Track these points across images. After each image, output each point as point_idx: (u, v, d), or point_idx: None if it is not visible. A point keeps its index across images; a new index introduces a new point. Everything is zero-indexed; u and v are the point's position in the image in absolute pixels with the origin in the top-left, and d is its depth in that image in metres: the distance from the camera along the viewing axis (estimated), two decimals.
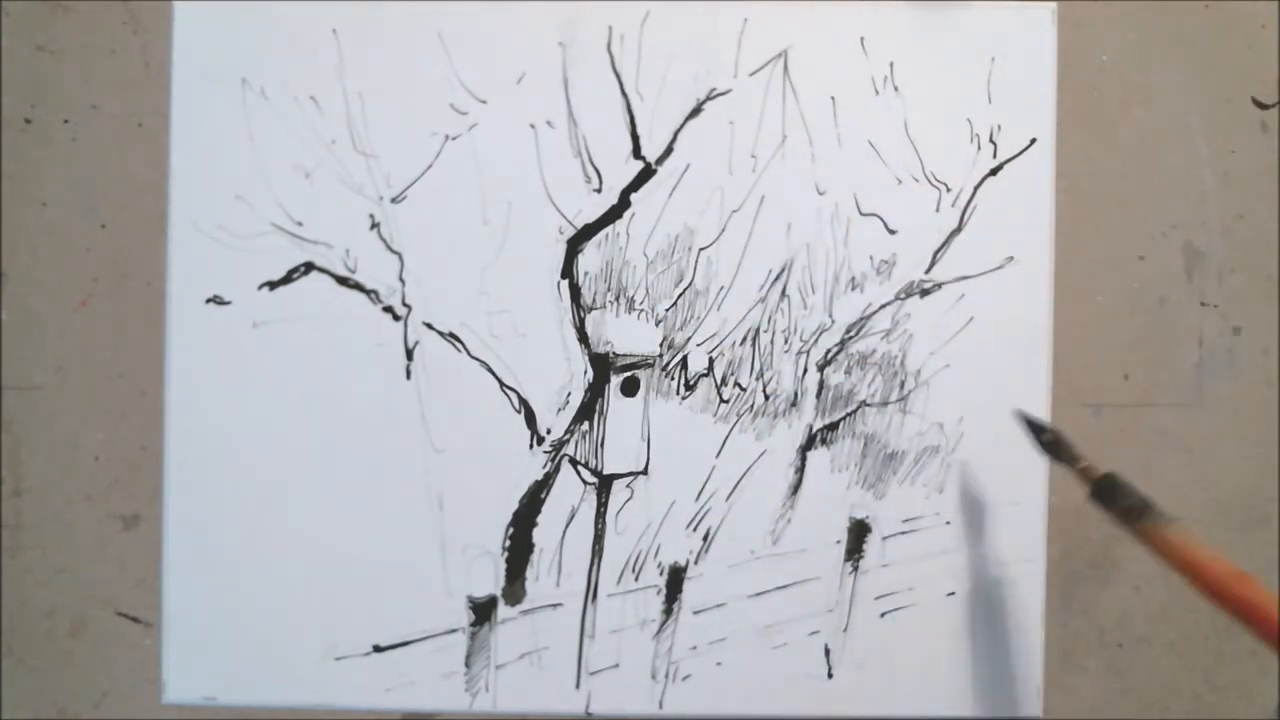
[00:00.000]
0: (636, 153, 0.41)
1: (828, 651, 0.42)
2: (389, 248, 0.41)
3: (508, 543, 0.41)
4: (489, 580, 0.41)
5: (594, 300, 0.41)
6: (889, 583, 0.42)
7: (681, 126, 0.41)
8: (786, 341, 0.41)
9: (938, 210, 0.41)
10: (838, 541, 0.42)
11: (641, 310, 0.41)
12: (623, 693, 0.41)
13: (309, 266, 0.41)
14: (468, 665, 0.41)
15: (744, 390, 0.42)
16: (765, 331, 0.41)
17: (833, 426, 0.42)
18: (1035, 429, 0.39)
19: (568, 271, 0.41)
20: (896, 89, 0.41)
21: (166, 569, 0.41)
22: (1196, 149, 0.43)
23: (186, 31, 0.41)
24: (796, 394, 0.42)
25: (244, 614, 0.41)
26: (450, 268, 0.41)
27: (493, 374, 0.41)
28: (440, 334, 0.41)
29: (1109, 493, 0.35)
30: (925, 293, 0.41)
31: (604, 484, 0.41)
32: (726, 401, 0.41)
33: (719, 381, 0.41)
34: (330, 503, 0.41)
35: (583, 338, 0.41)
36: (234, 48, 0.41)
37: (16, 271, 0.41)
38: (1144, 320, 0.42)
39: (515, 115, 0.41)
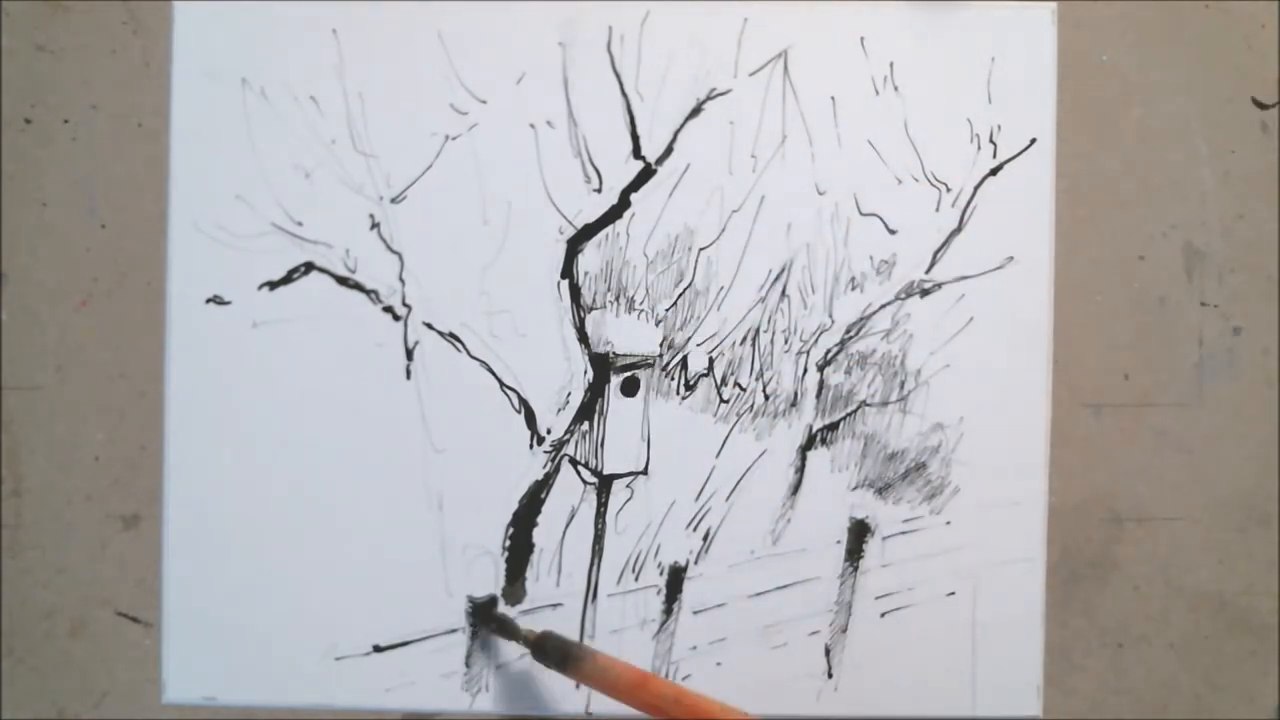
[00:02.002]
0: (636, 153, 0.41)
1: (828, 651, 0.42)
2: (389, 248, 0.41)
3: (508, 543, 0.41)
4: (489, 580, 0.41)
5: (594, 300, 0.41)
6: (889, 583, 0.42)
7: (681, 126, 0.41)
8: (786, 341, 0.41)
9: (938, 210, 0.41)
10: (838, 541, 0.42)
11: (641, 310, 0.41)
12: None
13: (309, 266, 0.41)
14: (468, 665, 0.41)
15: (744, 390, 0.42)
16: (765, 331, 0.41)
17: (833, 426, 0.42)
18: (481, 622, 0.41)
19: (568, 271, 0.41)
20: (896, 89, 0.41)
21: (166, 569, 0.41)
22: (1196, 149, 0.43)
23: (186, 31, 0.41)
24: (796, 394, 0.42)
25: (244, 614, 0.41)
26: (450, 268, 0.41)
27: (493, 374, 0.41)
28: (440, 334, 0.41)
29: (541, 647, 0.38)
30: (925, 293, 0.41)
31: (604, 484, 0.41)
32: (726, 401, 0.41)
33: (719, 381, 0.41)
34: (330, 502, 0.41)
35: (583, 338, 0.41)
36: (234, 48, 0.41)
37: (16, 271, 0.41)
38: (1144, 320, 0.42)
39: (515, 115, 0.41)
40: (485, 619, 0.40)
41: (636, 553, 0.41)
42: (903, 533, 0.42)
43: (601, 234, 0.41)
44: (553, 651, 0.38)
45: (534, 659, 0.38)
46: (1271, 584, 0.41)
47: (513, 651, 0.41)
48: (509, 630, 0.39)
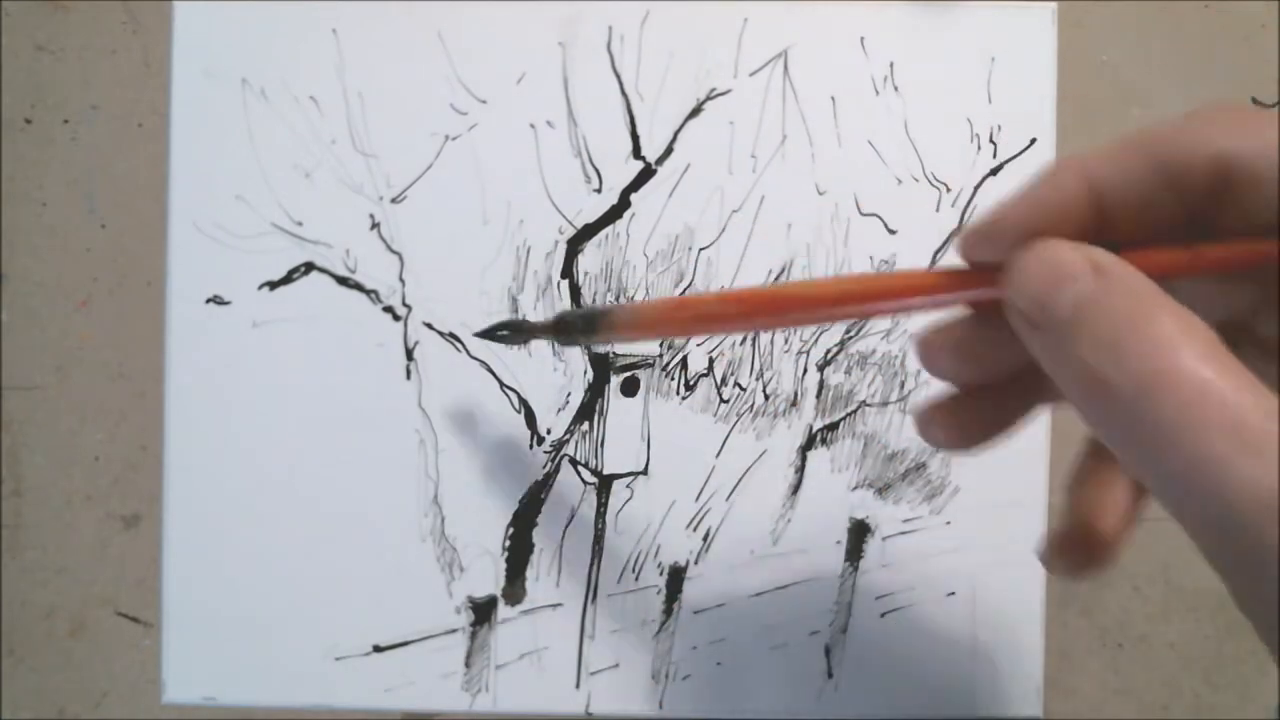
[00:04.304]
0: (636, 153, 0.41)
1: (828, 651, 0.42)
2: (389, 248, 0.41)
3: (508, 543, 0.41)
4: (489, 580, 0.41)
5: (594, 300, 0.41)
6: (889, 583, 0.42)
7: (681, 126, 0.41)
8: (786, 342, 0.41)
9: (938, 210, 0.41)
10: (838, 542, 0.42)
11: None
12: (623, 693, 0.41)
13: (309, 266, 0.41)
14: (467, 665, 0.41)
15: (744, 390, 0.42)
16: (765, 331, 0.41)
17: (833, 426, 0.42)
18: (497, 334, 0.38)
19: (568, 271, 0.41)
20: (896, 89, 0.41)
21: (166, 569, 0.41)
22: None
23: (186, 31, 0.41)
24: (796, 394, 0.42)
25: (244, 614, 0.41)
26: (450, 268, 0.41)
27: (493, 374, 0.41)
28: (440, 334, 0.41)
29: (563, 325, 0.34)
30: None
31: (604, 484, 0.41)
32: (726, 401, 0.41)
33: (719, 381, 0.41)
34: (330, 502, 0.41)
35: None
36: (234, 48, 0.41)
37: (16, 271, 0.41)
38: None
39: (515, 115, 0.41)
40: (514, 336, 0.38)
41: (636, 553, 0.41)
42: (903, 533, 0.42)
43: (601, 234, 0.41)
44: (576, 323, 0.34)
45: (561, 344, 0.37)
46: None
47: (513, 651, 0.41)
48: (526, 330, 0.37)
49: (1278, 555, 0.20)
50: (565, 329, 0.34)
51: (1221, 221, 0.24)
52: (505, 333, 0.38)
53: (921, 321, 0.27)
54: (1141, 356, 0.21)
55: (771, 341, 0.41)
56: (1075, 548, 0.28)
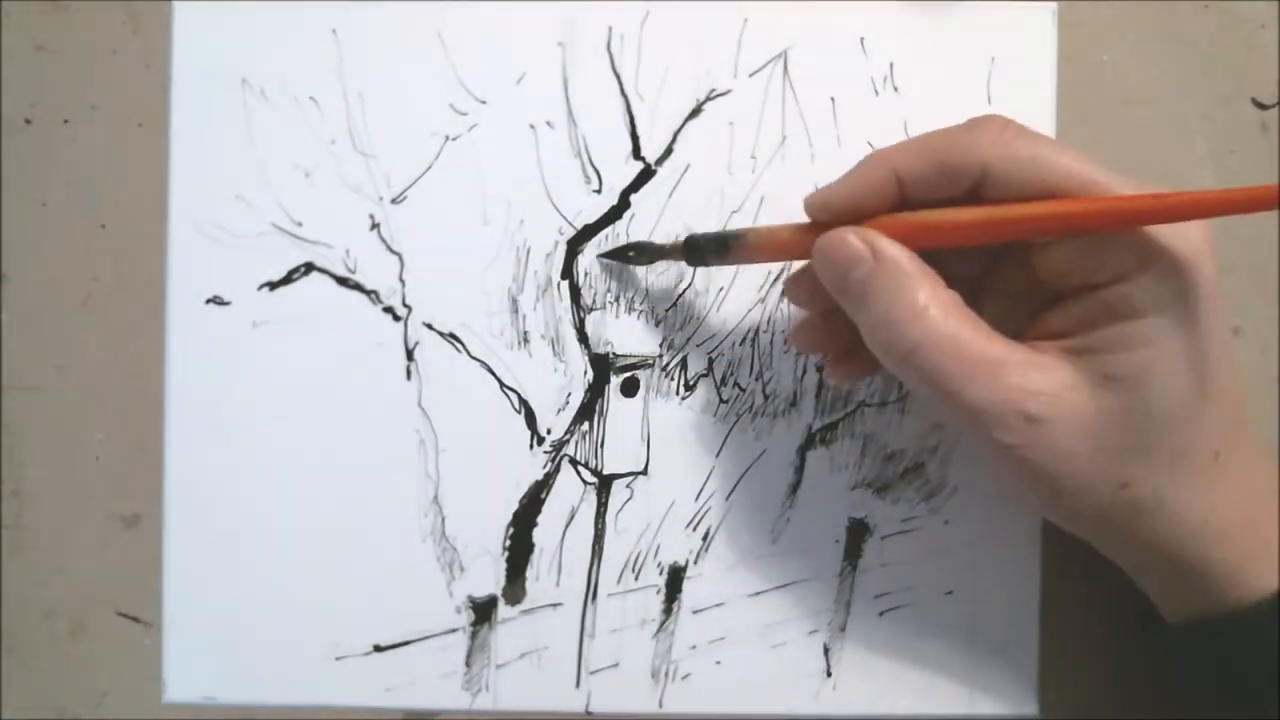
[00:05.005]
0: (636, 153, 0.41)
1: (827, 650, 0.42)
2: (389, 248, 0.41)
3: (508, 543, 0.41)
4: (489, 580, 0.41)
5: (594, 301, 0.41)
6: (888, 582, 0.42)
7: (681, 127, 0.41)
8: (786, 342, 0.42)
9: None
10: (837, 541, 0.42)
11: (641, 311, 0.41)
12: (623, 692, 0.41)
13: (309, 267, 0.41)
14: (468, 665, 0.41)
15: (744, 390, 0.42)
16: (765, 332, 0.41)
17: (832, 426, 0.42)
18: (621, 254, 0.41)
19: (568, 272, 0.41)
20: (896, 89, 0.41)
21: (166, 569, 0.41)
22: (1196, 149, 0.43)
23: (186, 31, 0.41)
24: (796, 394, 0.42)
25: (244, 614, 0.41)
26: (450, 268, 0.41)
27: (493, 374, 0.41)
28: (440, 334, 0.41)
29: (694, 247, 0.38)
30: None
31: (604, 484, 0.41)
32: (726, 402, 0.41)
33: (719, 382, 0.42)
34: (330, 503, 0.41)
35: (583, 338, 0.41)
36: (234, 48, 0.41)
37: (16, 271, 0.41)
38: None
39: (515, 115, 0.41)
40: (640, 256, 0.40)
41: (636, 552, 0.41)
42: (901, 532, 0.42)
43: (601, 234, 0.41)
44: (708, 245, 0.38)
45: (690, 264, 0.40)
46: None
47: (513, 651, 0.41)
48: (653, 252, 0.40)
49: (995, 441, 0.31)
50: (696, 250, 0.38)
51: (985, 199, 0.31)
52: (632, 253, 0.40)
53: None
54: (904, 323, 0.31)
55: (771, 342, 0.42)
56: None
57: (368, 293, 0.41)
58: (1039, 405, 0.30)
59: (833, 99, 0.41)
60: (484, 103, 0.41)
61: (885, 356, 0.32)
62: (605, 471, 0.41)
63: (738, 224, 0.41)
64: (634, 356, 0.41)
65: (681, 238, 0.39)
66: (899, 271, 0.31)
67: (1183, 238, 0.30)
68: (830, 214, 0.33)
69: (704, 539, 0.42)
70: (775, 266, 0.41)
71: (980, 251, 0.35)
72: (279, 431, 0.41)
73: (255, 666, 0.41)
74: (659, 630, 0.41)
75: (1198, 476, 0.31)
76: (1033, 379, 0.30)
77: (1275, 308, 0.42)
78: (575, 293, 0.41)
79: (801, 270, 0.37)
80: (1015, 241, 0.33)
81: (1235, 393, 0.32)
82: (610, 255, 0.41)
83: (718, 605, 0.42)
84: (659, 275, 0.41)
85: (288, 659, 0.41)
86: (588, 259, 0.41)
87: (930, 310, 0.30)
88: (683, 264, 0.41)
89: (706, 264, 0.39)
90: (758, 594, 0.42)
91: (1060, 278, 0.32)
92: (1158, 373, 0.30)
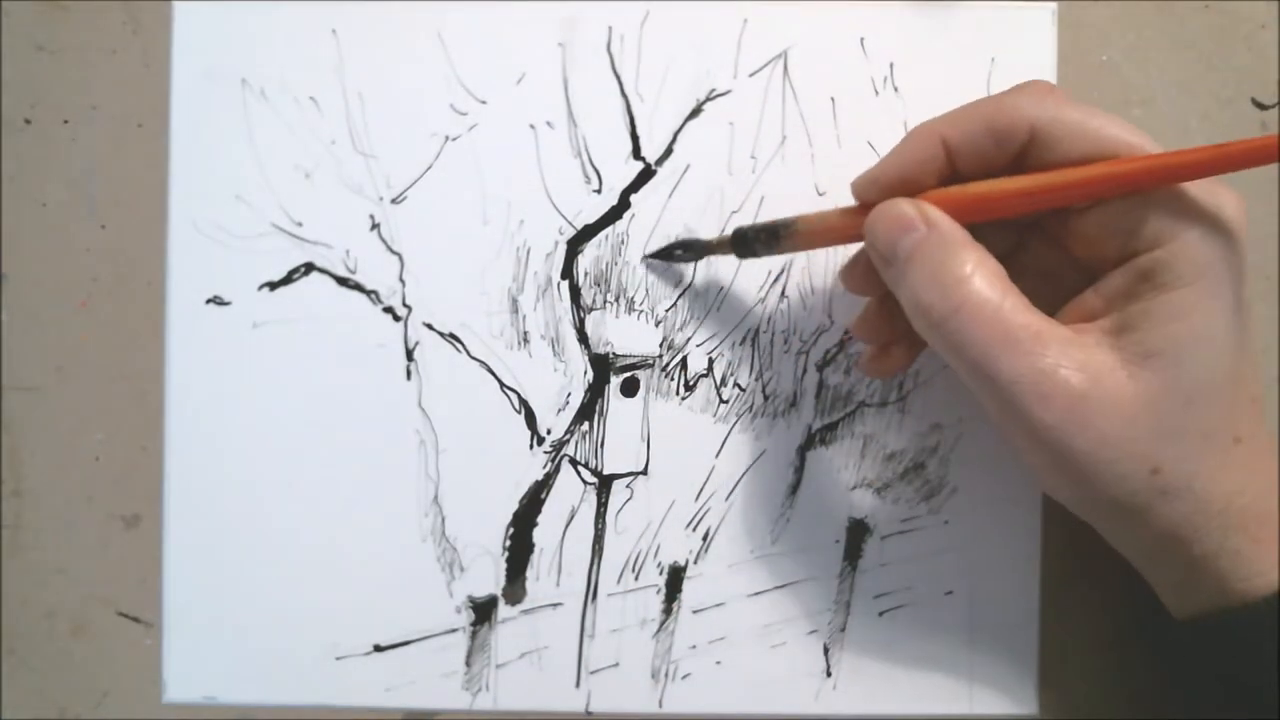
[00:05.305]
0: (636, 153, 0.41)
1: (826, 650, 0.42)
2: (389, 248, 0.41)
3: (508, 543, 0.41)
4: (489, 580, 0.41)
5: (594, 301, 0.41)
6: (887, 582, 0.42)
7: (681, 127, 0.41)
8: (786, 342, 0.42)
9: None
10: (836, 541, 0.42)
11: (641, 311, 0.41)
12: (623, 692, 0.41)
13: (309, 267, 0.41)
14: (468, 665, 0.41)
15: (743, 390, 0.42)
16: (765, 332, 0.41)
17: (831, 427, 0.42)
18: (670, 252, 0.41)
19: (568, 272, 0.41)
20: (896, 89, 0.41)
21: (167, 569, 0.41)
22: None
23: (186, 31, 0.41)
24: (796, 394, 0.42)
25: (244, 614, 0.41)
26: (450, 268, 0.41)
27: (493, 374, 0.41)
28: (440, 334, 0.41)
29: (743, 240, 0.38)
30: None
31: (604, 484, 0.41)
32: (726, 402, 0.42)
33: (719, 382, 0.42)
34: (330, 503, 0.41)
35: (583, 338, 0.41)
36: (234, 48, 0.41)
37: (16, 271, 0.41)
38: None
39: (515, 115, 0.41)
40: (688, 254, 0.40)
41: (636, 552, 0.41)
42: (901, 532, 0.42)
43: (601, 234, 0.41)
44: (757, 237, 0.38)
45: (739, 257, 0.39)
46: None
47: (513, 650, 0.41)
48: (701, 249, 0.40)
49: (1029, 418, 0.30)
50: (744, 243, 0.38)
51: (1030, 166, 0.32)
52: (680, 251, 0.40)
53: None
54: (949, 286, 0.30)
55: (771, 342, 0.42)
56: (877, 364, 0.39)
57: (368, 293, 0.41)
58: (1081, 381, 0.30)
59: (833, 99, 0.41)
60: (484, 103, 0.41)
61: (925, 319, 0.31)
62: (605, 471, 0.41)
63: (737, 224, 0.41)
64: (634, 356, 0.41)
65: (728, 231, 0.39)
66: (949, 239, 0.31)
67: (1220, 204, 0.31)
68: (878, 191, 0.34)
69: (704, 539, 0.42)
70: (775, 267, 0.41)
71: (1011, 230, 0.36)
72: (279, 431, 0.41)
73: (255, 666, 0.41)
74: (659, 630, 0.42)
75: (1222, 461, 0.31)
76: (1073, 355, 0.30)
77: (1275, 308, 0.42)
78: (575, 293, 0.41)
79: (855, 257, 0.37)
80: (1050, 217, 0.34)
81: (1254, 381, 0.32)
82: (657, 255, 0.41)
83: (718, 605, 0.42)
84: (659, 275, 0.41)
85: (288, 659, 0.41)
86: (588, 259, 0.41)
87: (975, 277, 0.30)
88: (683, 264, 0.41)
89: (756, 255, 0.39)
90: (758, 594, 0.42)
91: (1096, 248, 0.32)
92: (1193, 347, 0.30)
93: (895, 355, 0.38)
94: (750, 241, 0.38)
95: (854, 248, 0.37)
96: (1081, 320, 0.33)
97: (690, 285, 0.41)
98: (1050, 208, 0.33)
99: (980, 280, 0.30)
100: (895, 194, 0.33)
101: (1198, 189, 0.31)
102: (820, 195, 0.41)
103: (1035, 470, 0.33)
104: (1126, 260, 0.31)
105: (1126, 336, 0.31)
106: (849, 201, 0.35)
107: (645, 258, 0.41)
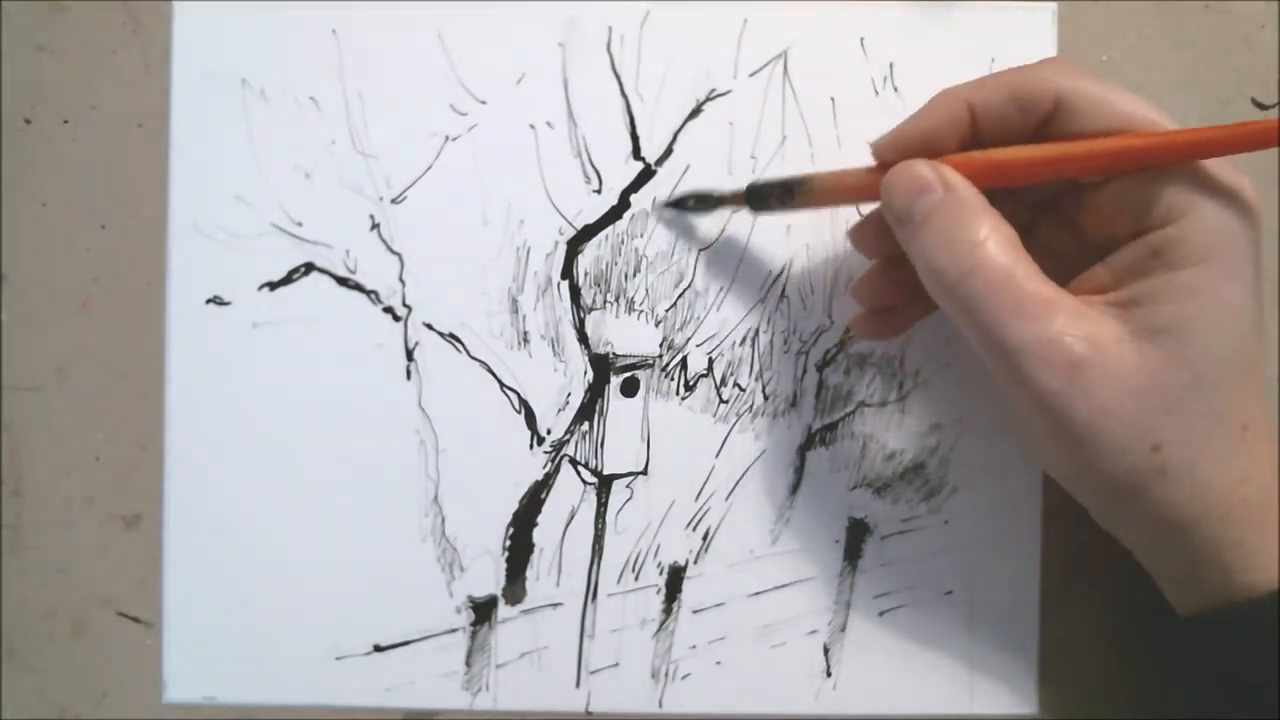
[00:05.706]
0: (636, 153, 0.41)
1: (826, 650, 0.42)
2: (389, 248, 0.41)
3: (508, 543, 0.41)
4: (489, 580, 0.41)
5: (594, 301, 0.41)
6: (887, 582, 0.42)
7: (681, 127, 0.41)
8: (786, 342, 0.42)
9: None
10: (836, 541, 0.42)
11: (641, 311, 0.41)
12: (623, 691, 0.41)
13: (309, 267, 0.41)
14: (468, 665, 0.41)
15: (743, 390, 0.42)
16: (764, 332, 0.41)
17: (831, 427, 0.42)
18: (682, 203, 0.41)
19: (568, 272, 0.41)
20: (896, 90, 0.41)
21: (167, 569, 0.41)
22: None
23: (186, 31, 0.41)
24: (796, 394, 0.42)
25: (244, 614, 0.41)
26: (450, 268, 0.41)
27: (493, 374, 0.41)
28: (440, 334, 0.41)
29: (757, 194, 0.38)
30: None
31: (604, 484, 0.41)
32: (726, 402, 0.42)
33: (719, 382, 0.42)
34: (330, 503, 0.41)
35: (583, 338, 0.41)
36: (234, 48, 0.41)
37: (16, 271, 0.41)
38: None
39: (515, 115, 0.41)
40: (701, 206, 0.40)
41: (636, 552, 0.41)
42: (901, 532, 0.42)
43: (601, 234, 0.41)
44: (772, 192, 0.38)
45: (753, 211, 0.39)
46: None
47: (513, 650, 0.41)
48: (715, 201, 0.40)
49: (1033, 383, 0.30)
50: (759, 197, 0.38)
51: (1050, 137, 0.32)
52: (692, 202, 0.40)
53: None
54: (962, 249, 0.31)
55: (771, 342, 0.42)
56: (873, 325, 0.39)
57: (368, 293, 0.41)
58: (1085, 349, 0.30)
59: (833, 99, 0.41)
60: (484, 103, 0.41)
61: (937, 281, 0.32)
62: (605, 471, 0.41)
63: (737, 224, 0.41)
64: (634, 356, 0.41)
65: (743, 185, 0.39)
66: (965, 203, 0.31)
67: (1240, 184, 0.31)
68: (897, 153, 0.34)
69: (704, 539, 0.42)
70: (775, 267, 0.41)
71: (1025, 207, 0.36)
72: (279, 431, 0.41)
73: (255, 666, 0.41)
74: (659, 630, 0.42)
75: (1228, 447, 0.31)
76: (1080, 325, 0.30)
77: (1275, 307, 0.42)
78: (575, 293, 0.41)
79: (867, 217, 0.37)
80: (1064, 194, 0.34)
81: (1261, 371, 0.32)
82: (671, 205, 0.41)
83: (718, 605, 0.42)
84: (659, 275, 0.41)
85: (288, 659, 0.41)
86: (588, 259, 0.41)
87: (989, 242, 0.31)
88: (683, 264, 0.41)
89: (770, 210, 0.38)
90: (758, 594, 0.42)
91: (1109, 225, 0.33)
92: (1203, 326, 0.30)
93: (889, 321, 0.38)
94: (765, 196, 0.38)
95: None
96: (1090, 294, 0.32)
97: (690, 285, 0.41)
98: (1068, 177, 0.33)
99: (994, 245, 0.31)
100: (915, 156, 0.33)
101: (1216, 167, 0.31)
102: None
103: (1037, 442, 0.33)
104: (1138, 236, 0.32)
105: (1135, 310, 0.31)
106: None
107: (659, 206, 0.41)
